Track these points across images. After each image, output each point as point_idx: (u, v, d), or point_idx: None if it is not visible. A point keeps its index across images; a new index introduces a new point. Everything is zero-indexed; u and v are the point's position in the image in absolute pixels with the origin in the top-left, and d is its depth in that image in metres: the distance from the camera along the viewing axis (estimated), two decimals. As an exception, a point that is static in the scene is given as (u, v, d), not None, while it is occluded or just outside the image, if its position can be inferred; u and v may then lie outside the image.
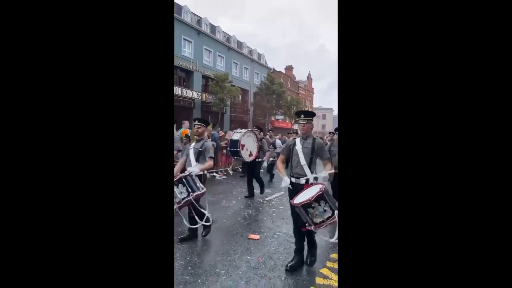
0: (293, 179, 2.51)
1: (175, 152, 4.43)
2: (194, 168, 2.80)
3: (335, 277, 2.43)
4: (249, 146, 5.22)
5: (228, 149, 5.74)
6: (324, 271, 2.53)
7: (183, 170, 3.04)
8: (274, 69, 28.96)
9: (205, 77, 20.04)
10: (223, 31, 23.17)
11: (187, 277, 2.29)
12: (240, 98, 22.83)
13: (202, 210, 2.92)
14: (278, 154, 4.31)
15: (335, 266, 2.64)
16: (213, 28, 21.98)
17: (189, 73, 18.84)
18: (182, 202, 2.66)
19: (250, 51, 26.62)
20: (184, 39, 18.16)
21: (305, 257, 2.56)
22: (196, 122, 3.12)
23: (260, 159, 5.45)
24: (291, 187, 2.49)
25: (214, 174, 7.43)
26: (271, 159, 6.78)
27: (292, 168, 2.56)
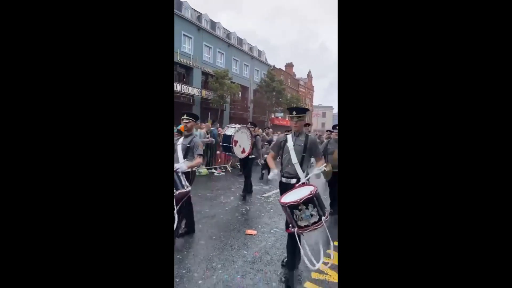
0: (283, 179, 2.37)
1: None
2: (182, 165, 2.61)
3: (330, 272, 2.44)
4: (242, 143, 5.14)
5: (221, 143, 5.65)
6: (320, 266, 2.55)
7: None
8: (274, 66, 28.85)
9: (205, 74, 19.96)
10: (224, 28, 23.05)
11: (184, 271, 2.30)
12: (240, 95, 22.76)
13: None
14: None
15: (331, 261, 2.65)
16: (213, 24, 21.85)
17: (188, 69, 18.77)
18: None
19: (251, 48, 26.50)
20: (184, 35, 18.06)
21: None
22: (185, 116, 2.89)
23: (253, 156, 5.32)
24: (277, 178, 2.37)
25: (213, 170, 7.44)
26: (265, 156, 6.77)
27: (283, 167, 2.41)
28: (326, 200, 4.25)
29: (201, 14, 20.62)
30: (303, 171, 2.28)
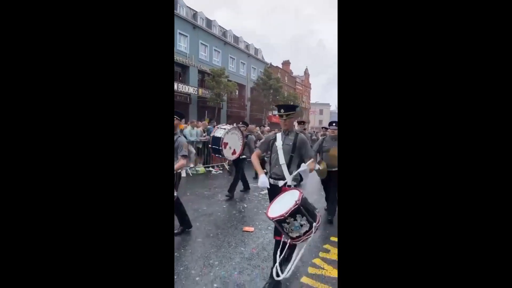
0: (271, 180, 2.25)
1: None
2: None
3: (327, 266, 2.47)
4: (232, 144, 4.90)
5: (210, 146, 5.37)
6: (317, 261, 2.57)
7: None
8: (271, 64, 28.81)
9: (201, 72, 19.89)
10: (220, 26, 22.94)
11: (181, 268, 2.31)
12: (237, 93, 22.72)
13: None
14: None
15: (327, 256, 2.68)
16: (209, 22, 21.74)
17: (185, 68, 18.69)
18: None
19: (247, 46, 26.42)
20: (179, 33, 17.97)
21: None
22: None
23: (244, 156, 5.07)
24: (268, 187, 2.23)
25: (210, 169, 7.45)
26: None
27: (271, 167, 2.30)
28: (322, 196, 4.28)
29: (197, 12, 20.50)
30: (290, 173, 2.14)
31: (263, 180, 2.18)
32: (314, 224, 1.74)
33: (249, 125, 6.21)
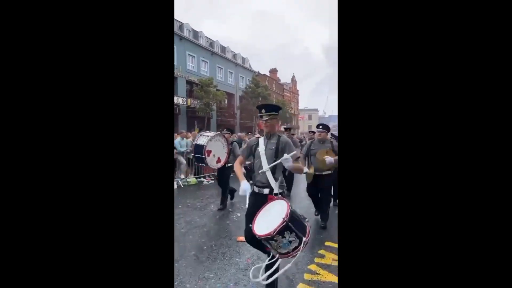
0: (255, 188, 2.08)
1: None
2: None
3: (323, 272, 2.47)
4: (216, 152, 4.63)
5: (193, 154, 5.12)
6: (312, 267, 2.57)
7: None
8: (258, 72, 29.17)
9: (189, 83, 19.90)
10: (206, 36, 23.14)
11: (176, 283, 2.26)
12: (226, 102, 22.82)
13: None
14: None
15: (323, 261, 2.68)
16: (195, 33, 21.91)
17: (173, 79, 18.65)
18: None
19: (234, 55, 26.70)
20: (166, 45, 17.98)
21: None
22: None
23: (230, 164, 4.71)
24: (249, 195, 2.03)
25: (202, 179, 7.37)
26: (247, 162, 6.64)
27: (255, 174, 2.11)
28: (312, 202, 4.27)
29: (183, 23, 20.65)
30: (276, 180, 1.99)
31: (244, 188, 1.99)
32: (304, 239, 1.66)
33: (239, 133, 6.16)
